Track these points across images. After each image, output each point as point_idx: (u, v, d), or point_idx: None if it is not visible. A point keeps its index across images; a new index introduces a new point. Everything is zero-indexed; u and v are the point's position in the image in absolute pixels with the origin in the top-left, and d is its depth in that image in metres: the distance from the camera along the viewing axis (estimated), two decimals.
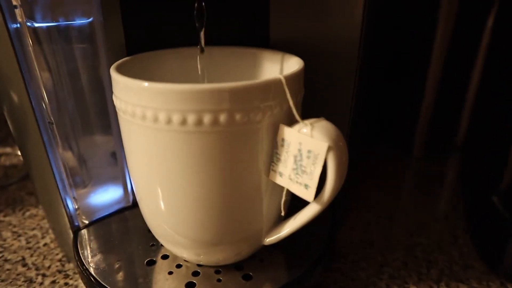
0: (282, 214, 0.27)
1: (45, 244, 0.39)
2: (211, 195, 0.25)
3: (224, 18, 0.32)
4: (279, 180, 0.25)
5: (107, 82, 0.32)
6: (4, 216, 0.44)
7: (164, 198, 0.25)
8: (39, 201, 0.46)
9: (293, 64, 0.28)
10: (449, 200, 0.47)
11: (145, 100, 0.22)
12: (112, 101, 0.26)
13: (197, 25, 0.27)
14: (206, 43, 0.29)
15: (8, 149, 0.60)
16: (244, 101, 0.22)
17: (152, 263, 0.30)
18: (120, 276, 0.29)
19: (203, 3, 0.27)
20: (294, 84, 0.24)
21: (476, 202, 0.43)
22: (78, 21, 0.29)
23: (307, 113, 0.25)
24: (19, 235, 0.40)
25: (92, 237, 0.33)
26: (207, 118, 0.22)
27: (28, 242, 0.39)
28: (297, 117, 0.24)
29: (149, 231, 0.31)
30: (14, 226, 0.42)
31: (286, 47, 0.30)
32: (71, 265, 0.36)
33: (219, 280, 0.29)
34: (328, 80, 0.32)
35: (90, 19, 0.29)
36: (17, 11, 0.26)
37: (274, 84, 0.23)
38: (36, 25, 0.27)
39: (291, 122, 0.24)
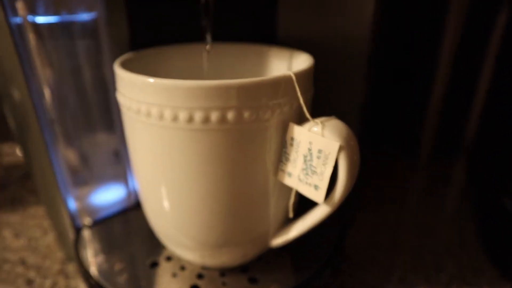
0: (290, 215, 0.27)
1: (45, 244, 0.38)
2: (217, 195, 0.24)
3: (231, 14, 0.32)
4: (288, 181, 0.24)
5: (110, 79, 0.31)
6: (4, 215, 0.43)
7: (169, 198, 0.25)
8: (40, 200, 0.45)
9: (302, 61, 0.27)
10: (457, 202, 0.47)
11: (151, 96, 0.21)
12: (115, 98, 0.25)
13: (203, 21, 0.26)
14: (212, 40, 0.28)
15: (8, 147, 0.59)
16: (252, 98, 0.21)
17: (155, 265, 0.29)
18: (122, 278, 0.28)
19: None
20: (304, 81, 0.23)
21: (485, 204, 0.42)
22: (81, 15, 0.28)
23: (316, 111, 0.24)
24: (19, 235, 0.40)
25: (94, 238, 0.32)
26: (214, 116, 0.21)
27: (28, 242, 0.38)
28: (308, 115, 0.23)
29: (153, 232, 0.30)
30: (15, 225, 0.41)
31: (294, 44, 0.30)
32: (72, 266, 0.35)
33: (224, 283, 0.28)
34: (338, 78, 0.32)
35: (94, 14, 0.28)
36: (19, 5, 0.25)
37: (284, 81, 0.22)
38: (38, 19, 0.26)
39: (301, 120, 0.23)
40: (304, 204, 0.26)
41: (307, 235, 0.27)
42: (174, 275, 0.29)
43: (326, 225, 0.26)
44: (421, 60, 0.52)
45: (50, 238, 0.39)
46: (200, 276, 0.29)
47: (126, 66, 0.24)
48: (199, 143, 0.22)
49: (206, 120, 0.21)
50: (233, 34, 0.32)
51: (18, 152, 0.57)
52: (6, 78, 0.29)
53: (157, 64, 0.30)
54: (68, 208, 0.32)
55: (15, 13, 0.25)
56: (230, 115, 0.21)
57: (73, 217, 0.33)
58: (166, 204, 0.25)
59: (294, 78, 0.22)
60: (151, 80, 0.21)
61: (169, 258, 0.30)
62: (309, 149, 0.22)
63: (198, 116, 0.21)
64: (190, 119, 0.21)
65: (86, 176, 0.34)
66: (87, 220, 0.34)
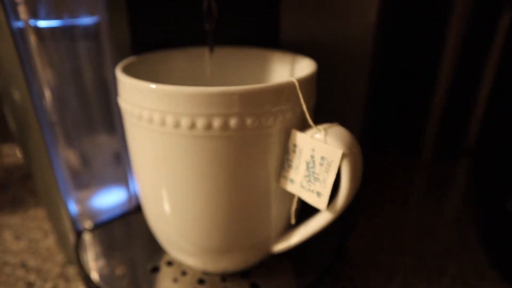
0: (292, 222, 0.26)
1: (46, 247, 0.38)
2: (219, 201, 0.24)
3: (233, 18, 0.31)
4: (290, 187, 0.24)
5: (111, 82, 0.31)
6: (5, 217, 0.43)
7: (170, 203, 0.25)
8: (41, 202, 0.45)
9: (304, 66, 0.27)
10: (459, 204, 0.46)
11: (153, 102, 0.21)
12: (117, 101, 0.25)
13: (206, 24, 0.26)
14: (215, 43, 0.28)
15: (8, 148, 0.59)
16: (255, 105, 0.21)
17: (156, 269, 0.29)
18: (122, 283, 0.28)
19: (213, 2, 0.26)
20: (307, 88, 0.23)
21: (488, 207, 0.42)
22: (82, 19, 0.28)
23: (318, 113, 0.24)
24: (20, 237, 0.40)
25: (94, 241, 0.32)
26: (216, 122, 0.21)
27: (29, 244, 0.38)
28: (310, 122, 0.23)
29: (154, 236, 0.30)
30: (15, 228, 0.41)
31: (297, 47, 0.29)
32: (73, 269, 0.35)
33: None
34: (339, 82, 0.31)
35: (95, 17, 0.28)
36: (20, 9, 0.25)
37: (287, 88, 0.22)
38: (40, 23, 0.26)
39: (304, 127, 0.23)
40: (306, 210, 0.26)
41: (308, 241, 0.27)
42: (175, 280, 0.28)
43: (327, 230, 0.26)
44: (423, 62, 0.51)
45: (50, 241, 0.39)
46: (201, 281, 0.28)
47: (127, 70, 0.24)
48: (201, 150, 0.22)
49: (208, 126, 0.21)
50: (236, 36, 0.32)
51: (18, 153, 0.57)
52: (7, 79, 0.28)
53: (159, 68, 0.30)
54: (69, 211, 0.32)
55: (16, 16, 0.25)
56: (233, 122, 0.21)
57: (73, 220, 0.33)
58: (167, 209, 0.25)
59: (297, 84, 0.22)
60: (153, 86, 0.21)
61: (170, 263, 0.30)
62: (312, 156, 0.22)
63: (200, 122, 0.21)
64: (192, 126, 0.21)
65: (87, 178, 0.34)
66: (87, 223, 0.34)
